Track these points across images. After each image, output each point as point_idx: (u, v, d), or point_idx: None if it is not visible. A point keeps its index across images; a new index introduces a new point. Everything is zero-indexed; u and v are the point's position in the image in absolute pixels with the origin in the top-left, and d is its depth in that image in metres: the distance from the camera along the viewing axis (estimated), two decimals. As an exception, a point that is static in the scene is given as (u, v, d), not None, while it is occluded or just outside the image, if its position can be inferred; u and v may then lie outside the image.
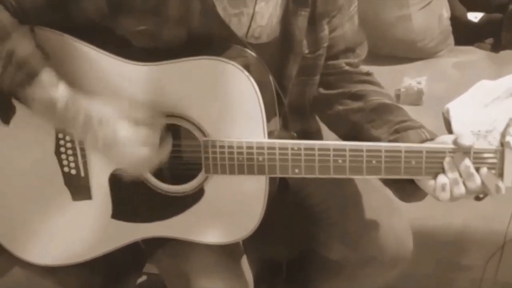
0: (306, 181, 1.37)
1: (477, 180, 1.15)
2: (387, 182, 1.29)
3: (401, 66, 2.19)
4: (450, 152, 1.16)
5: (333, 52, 1.36)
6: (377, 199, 1.44)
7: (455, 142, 1.16)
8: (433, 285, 1.86)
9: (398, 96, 2.07)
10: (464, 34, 2.33)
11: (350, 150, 1.18)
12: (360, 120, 1.31)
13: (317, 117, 1.45)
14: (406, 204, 1.34)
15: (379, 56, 2.11)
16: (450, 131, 1.92)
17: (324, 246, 1.48)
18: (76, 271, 1.35)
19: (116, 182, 1.26)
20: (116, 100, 1.15)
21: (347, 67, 1.38)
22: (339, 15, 1.34)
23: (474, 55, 2.27)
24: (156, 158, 1.19)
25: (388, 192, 1.41)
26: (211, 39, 1.20)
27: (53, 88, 1.14)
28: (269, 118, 1.21)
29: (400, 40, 2.21)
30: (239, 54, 1.18)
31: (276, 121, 1.26)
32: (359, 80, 1.37)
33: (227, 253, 1.34)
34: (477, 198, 1.22)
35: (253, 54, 1.19)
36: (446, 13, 2.29)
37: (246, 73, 1.16)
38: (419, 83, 2.04)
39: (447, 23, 2.30)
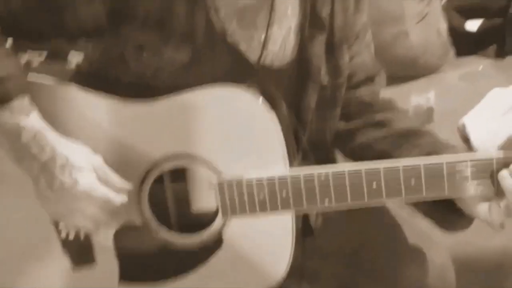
0: (333, 220, 1.31)
1: None
2: (427, 212, 1.20)
3: (406, 86, 2.11)
4: (498, 161, 1.06)
5: (354, 81, 1.29)
6: (411, 232, 1.34)
7: (508, 141, 1.05)
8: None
9: (407, 117, 1.98)
10: (465, 44, 2.29)
11: (385, 171, 1.07)
12: (387, 148, 1.23)
13: (337, 154, 1.36)
14: (439, 232, 1.25)
15: (381, 78, 2.02)
16: (469, 147, 1.84)
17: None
18: None
19: (123, 239, 1.14)
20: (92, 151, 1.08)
21: (369, 97, 1.31)
22: (357, 42, 1.28)
23: (478, 64, 2.20)
24: (106, 225, 1.10)
25: (421, 224, 1.33)
26: (216, 62, 1.12)
27: (22, 116, 1.05)
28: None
29: (401, 58, 2.16)
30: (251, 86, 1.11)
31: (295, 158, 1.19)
32: (381, 109, 1.30)
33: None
34: None
35: (269, 85, 1.13)
36: (443, 25, 2.25)
37: (262, 100, 1.08)
38: (427, 100, 1.95)
39: (445, 35, 2.26)
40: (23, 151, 1.05)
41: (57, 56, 1.26)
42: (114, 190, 1.08)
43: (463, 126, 1.89)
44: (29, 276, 1.16)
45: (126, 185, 1.09)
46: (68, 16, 1.08)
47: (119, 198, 1.08)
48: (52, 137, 1.06)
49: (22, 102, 1.05)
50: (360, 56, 1.30)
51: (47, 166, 1.04)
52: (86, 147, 1.08)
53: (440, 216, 1.18)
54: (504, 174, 1.06)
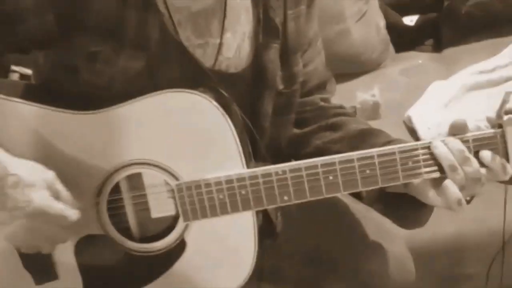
0: (292, 220, 1.32)
1: (474, 163, 1.08)
2: (386, 212, 1.22)
3: (350, 83, 2.12)
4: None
5: (307, 88, 1.31)
6: (367, 225, 1.36)
7: (450, 131, 1.10)
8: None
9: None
10: (403, 40, 2.31)
11: (340, 163, 1.09)
12: (342, 150, 1.21)
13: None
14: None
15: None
16: (416, 139, 1.86)
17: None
18: None
19: (84, 252, 1.12)
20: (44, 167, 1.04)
21: (322, 103, 1.33)
22: (310, 49, 1.30)
23: (418, 59, 2.24)
24: (63, 242, 1.07)
25: (378, 218, 1.34)
26: (171, 70, 1.10)
27: None
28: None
29: (343, 56, 2.15)
30: (203, 91, 1.09)
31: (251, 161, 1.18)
32: (333, 114, 1.31)
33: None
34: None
35: (220, 90, 1.11)
36: (381, 22, 2.28)
37: (215, 103, 1.07)
38: (373, 95, 1.97)
39: (384, 32, 2.28)
40: None
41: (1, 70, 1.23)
42: (68, 206, 1.04)
43: (409, 119, 1.91)
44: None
45: (76, 202, 1.06)
46: (18, 28, 1.05)
47: (75, 214, 1.05)
48: (1, 156, 1.02)
49: None
50: (313, 63, 1.31)
51: None
52: (38, 164, 1.04)
53: (397, 215, 1.20)
54: (435, 144, 1.09)
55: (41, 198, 1.01)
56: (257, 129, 1.19)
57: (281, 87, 1.23)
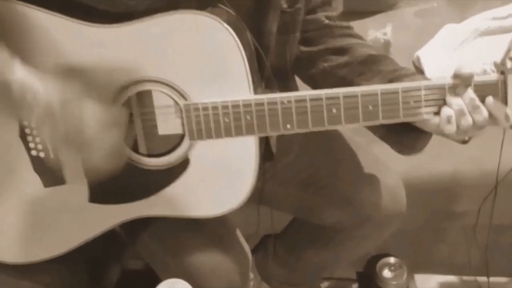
0: (291, 147, 1.36)
1: (484, 112, 1.09)
2: (384, 137, 1.23)
3: (363, 21, 2.10)
4: (450, 87, 1.10)
5: (311, 5, 1.30)
6: (364, 157, 1.40)
7: (455, 75, 1.10)
8: (425, 238, 1.80)
9: (364, 51, 1.99)
10: None
11: (344, 97, 1.11)
12: (349, 75, 1.25)
13: (296, 81, 1.38)
14: (393, 158, 1.30)
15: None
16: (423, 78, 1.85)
17: (315, 213, 1.43)
18: (56, 270, 1.26)
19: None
20: (78, 74, 1.04)
21: (326, 21, 1.32)
22: None
23: (433, 1, 2.21)
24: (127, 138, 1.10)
25: (375, 149, 1.40)
26: None
27: (7, 68, 0.99)
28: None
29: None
30: (214, 12, 1.09)
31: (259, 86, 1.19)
32: (341, 34, 1.31)
33: (221, 225, 1.25)
34: (463, 142, 1.17)
35: (231, 12, 1.11)
36: None
37: (225, 25, 1.07)
38: (384, 34, 1.96)
39: None
40: (19, 103, 1.00)
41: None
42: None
43: (418, 59, 1.90)
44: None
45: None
46: None
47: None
48: (39, 79, 1.01)
49: (3, 56, 1.00)
50: None
51: (47, 111, 1.00)
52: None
53: (396, 140, 1.21)
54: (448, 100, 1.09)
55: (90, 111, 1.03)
56: (263, 48, 1.19)
57: (284, 6, 1.22)
